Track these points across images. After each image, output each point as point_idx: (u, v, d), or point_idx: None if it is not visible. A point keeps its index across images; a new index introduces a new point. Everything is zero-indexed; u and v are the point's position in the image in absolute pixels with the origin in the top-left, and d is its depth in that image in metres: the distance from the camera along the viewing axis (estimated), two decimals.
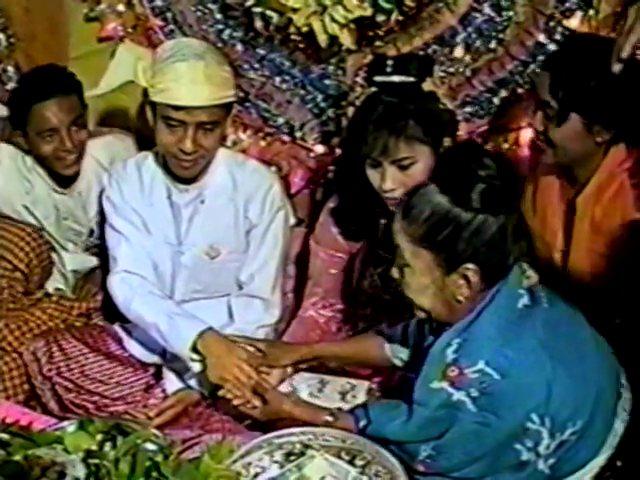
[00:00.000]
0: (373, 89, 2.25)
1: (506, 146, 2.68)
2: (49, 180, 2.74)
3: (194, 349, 2.28)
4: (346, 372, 2.38)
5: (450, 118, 2.30)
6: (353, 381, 2.36)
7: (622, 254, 2.15)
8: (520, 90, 2.64)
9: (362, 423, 1.97)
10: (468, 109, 2.66)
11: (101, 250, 2.77)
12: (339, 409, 2.13)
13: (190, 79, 2.25)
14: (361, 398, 2.30)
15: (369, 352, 2.25)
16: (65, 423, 2.08)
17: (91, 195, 2.77)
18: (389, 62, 2.25)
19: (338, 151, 2.84)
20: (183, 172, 2.40)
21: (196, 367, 2.32)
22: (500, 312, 1.78)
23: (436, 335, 1.89)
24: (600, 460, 1.85)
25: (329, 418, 2.02)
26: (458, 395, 1.76)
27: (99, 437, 2.03)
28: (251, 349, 2.29)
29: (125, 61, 2.31)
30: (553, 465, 1.79)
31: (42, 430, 2.04)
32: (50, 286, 2.87)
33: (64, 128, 2.57)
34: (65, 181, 2.74)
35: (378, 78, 2.25)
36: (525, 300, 1.80)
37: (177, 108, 2.26)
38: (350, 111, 2.31)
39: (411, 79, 2.23)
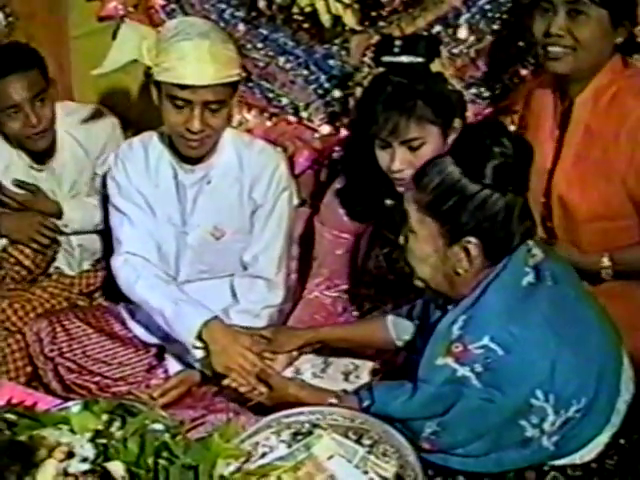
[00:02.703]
0: (381, 69, 2.23)
1: (512, 128, 2.66)
2: (25, 157, 2.76)
3: (198, 337, 2.29)
4: (349, 352, 2.38)
5: (458, 99, 2.28)
6: (356, 361, 2.37)
7: (612, 160, 2.16)
8: (525, 72, 2.63)
9: (366, 403, 1.98)
10: (473, 90, 2.65)
11: (104, 230, 2.76)
12: (344, 390, 2.13)
13: (195, 58, 2.23)
14: (364, 378, 2.32)
15: (374, 335, 2.26)
16: (70, 403, 2.07)
17: (66, 171, 2.80)
18: (397, 42, 2.23)
19: (343, 132, 2.83)
20: (190, 152, 2.39)
21: (199, 353, 2.33)
22: (505, 289, 1.79)
23: (442, 312, 1.90)
24: (604, 438, 1.86)
25: (333, 400, 2.03)
26: (462, 371, 1.77)
27: (105, 417, 2.03)
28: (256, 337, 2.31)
29: (129, 40, 2.28)
30: (557, 442, 1.80)
31: (47, 410, 2.05)
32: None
33: (27, 104, 2.60)
34: (40, 157, 2.77)
35: (386, 58, 2.23)
36: (530, 278, 1.81)
37: (183, 87, 2.25)
38: (358, 91, 2.29)
39: (419, 59, 2.21)
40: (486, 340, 1.74)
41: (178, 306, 2.35)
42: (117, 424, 1.90)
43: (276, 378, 2.17)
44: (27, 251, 2.75)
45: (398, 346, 2.22)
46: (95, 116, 2.84)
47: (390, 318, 2.24)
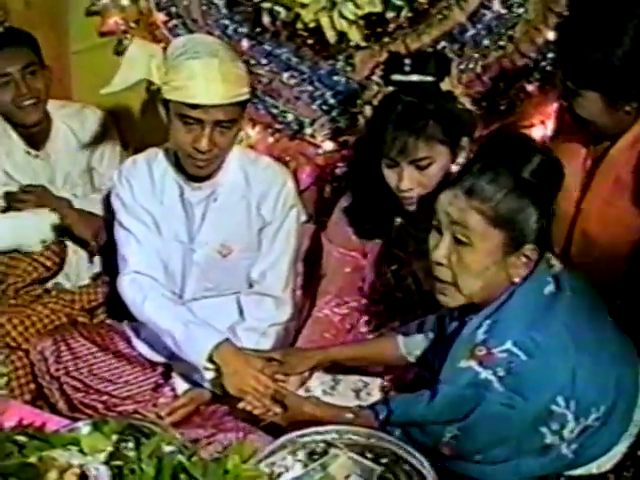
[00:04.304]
0: (391, 88, 2.22)
1: None
2: (22, 143, 2.83)
3: (209, 359, 2.28)
4: (357, 370, 2.37)
5: (468, 118, 2.28)
6: (365, 379, 2.36)
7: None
8: (530, 87, 2.63)
9: (382, 415, 1.97)
10: (478, 106, 2.64)
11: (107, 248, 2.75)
12: (359, 407, 2.11)
13: (205, 77, 2.22)
14: (375, 395, 2.31)
15: (384, 353, 2.26)
16: (79, 424, 2.05)
17: (60, 159, 2.87)
18: (407, 61, 2.22)
19: (346, 148, 2.83)
20: (198, 171, 2.38)
21: (209, 375, 2.32)
22: (529, 296, 1.81)
23: (460, 321, 1.91)
24: (621, 448, 1.87)
25: (350, 416, 2.02)
26: (485, 374, 1.78)
27: (114, 437, 2.01)
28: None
29: (138, 58, 2.26)
30: (576, 450, 1.82)
31: (56, 431, 2.03)
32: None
33: (17, 73, 2.71)
34: (35, 142, 2.84)
35: (396, 77, 2.22)
36: (551, 287, 1.83)
37: (194, 106, 2.24)
38: (367, 110, 2.28)
39: (430, 78, 2.20)
40: (509, 344, 1.76)
41: (188, 328, 2.34)
42: (131, 445, 1.89)
43: (291, 397, 2.16)
44: (47, 252, 2.77)
45: (410, 362, 2.22)
46: (90, 111, 2.94)
47: (400, 335, 2.24)
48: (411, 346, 2.21)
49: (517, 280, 1.82)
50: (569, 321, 1.80)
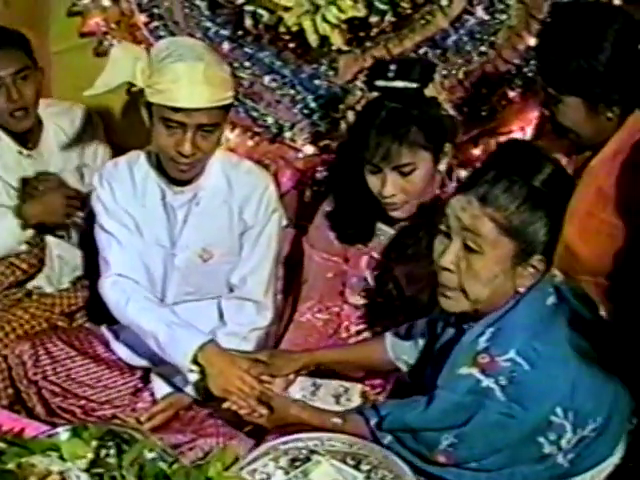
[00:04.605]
0: (375, 94, 2.22)
1: None
2: (13, 143, 2.79)
3: (194, 361, 2.26)
4: (338, 375, 2.36)
5: (451, 124, 2.28)
6: (346, 384, 2.34)
7: (624, 224, 2.12)
8: (512, 94, 2.65)
9: (373, 421, 1.95)
10: (460, 112, 2.65)
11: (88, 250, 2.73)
12: (346, 411, 2.10)
13: (190, 80, 2.20)
14: (355, 401, 2.29)
15: (372, 356, 2.25)
16: (58, 429, 2.03)
17: (52, 158, 2.83)
18: (391, 67, 2.21)
19: (327, 152, 2.83)
20: (180, 175, 2.36)
21: (193, 377, 2.30)
22: (533, 307, 1.81)
23: (457, 328, 1.90)
24: (614, 459, 1.89)
25: (337, 420, 2.01)
26: (487, 382, 1.77)
27: (94, 444, 2.00)
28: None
29: (122, 61, 2.24)
30: (572, 460, 1.82)
31: (35, 437, 2.00)
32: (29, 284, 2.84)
33: (9, 78, 2.66)
34: (27, 142, 2.81)
35: (380, 83, 2.21)
36: (553, 298, 1.84)
37: (176, 110, 2.22)
38: (350, 115, 2.27)
39: (414, 85, 2.20)
40: (512, 353, 1.76)
41: (172, 329, 2.32)
42: (112, 451, 1.87)
43: (277, 399, 2.14)
44: (23, 255, 2.76)
45: (397, 366, 2.21)
46: (78, 108, 2.91)
47: (388, 339, 2.23)
48: (398, 350, 2.20)
49: (522, 290, 1.81)
50: (569, 333, 1.81)
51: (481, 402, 1.78)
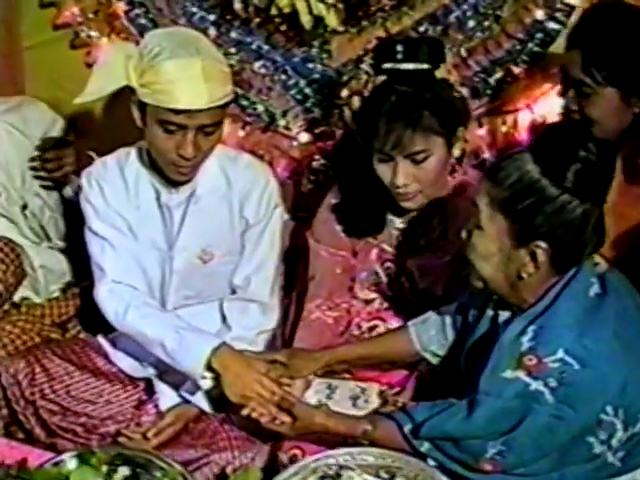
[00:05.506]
0: (382, 77, 2.09)
1: (504, 129, 2.60)
2: None
3: (207, 366, 2.12)
4: (352, 374, 2.25)
5: (463, 106, 2.17)
6: (362, 384, 2.24)
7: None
8: (517, 70, 2.54)
9: (408, 427, 1.85)
10: (464, 90, 2.52)
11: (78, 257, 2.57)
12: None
13: (188, 79, 2.03)
14: (374, 402, 2.19)
15: (395, 348, 2.16)
16: (63, 456, 1.94)
17: (12, 160, 2.63)
18: (399, 48, 2.09)
19: (323, 140, 2.72)
20: (180, 177, 2.21)
21: (206, 384, 2.16)
22: (576, 300, 1.73)
23: (493, 322, 1.84)
24: None
25: (368, 427, 1.90)
26: (536, 385, 1.70)
27: (104, 469, 1.90)
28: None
29: (115, 63, 2.06)
30: (623, 458, 1.76)
31: (40, 466, 1.89)
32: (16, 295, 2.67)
33: None
34: None
35: (388, 65, 2.09)
36: (596, 288, 1.76)
37: (176, 112, 2.05)
38: (355, 101, 2.15)
39: (425, 66, 2.08)
40: (561, 353, 1.68)
41: (180, 335, 2.18)
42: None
43: (300, 406, 2.00)
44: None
45: (424, 357, 2.13)
46: (27, 102, 2.72)
47: (412, 329, 2.14)
48: (426, 341, 2.12)
49: (525, 276, 1.73)
50: (616, 325, 1.72)
51: (529, 406, 1.71)
